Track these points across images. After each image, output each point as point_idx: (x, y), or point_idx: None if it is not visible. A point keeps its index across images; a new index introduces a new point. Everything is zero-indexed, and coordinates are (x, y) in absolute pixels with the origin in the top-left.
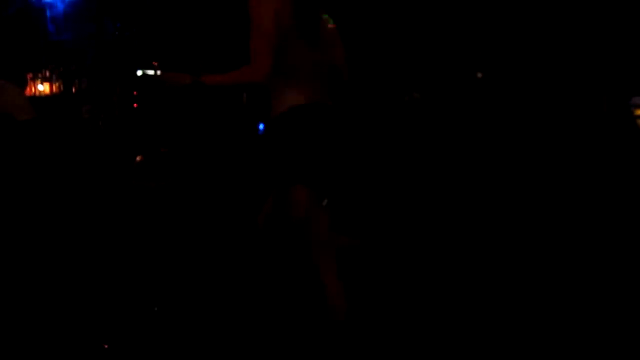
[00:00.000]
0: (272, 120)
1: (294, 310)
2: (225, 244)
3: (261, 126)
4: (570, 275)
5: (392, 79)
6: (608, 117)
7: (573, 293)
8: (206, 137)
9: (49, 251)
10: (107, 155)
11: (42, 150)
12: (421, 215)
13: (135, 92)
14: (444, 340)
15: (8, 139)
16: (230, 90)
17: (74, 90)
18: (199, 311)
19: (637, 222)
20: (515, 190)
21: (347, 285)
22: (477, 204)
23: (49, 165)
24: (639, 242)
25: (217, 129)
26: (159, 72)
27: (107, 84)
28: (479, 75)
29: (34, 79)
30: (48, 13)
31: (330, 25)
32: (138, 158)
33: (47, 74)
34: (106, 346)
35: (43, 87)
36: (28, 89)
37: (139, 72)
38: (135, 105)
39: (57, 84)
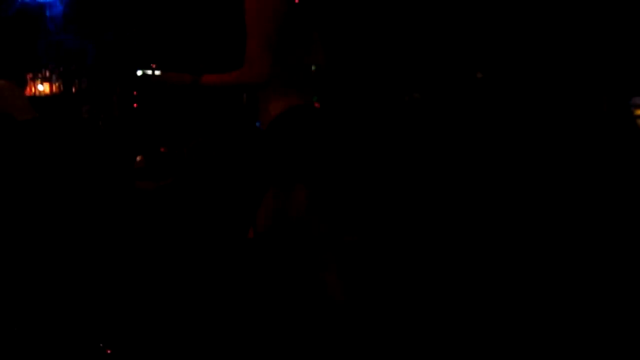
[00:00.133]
0: (274, 121)
1: (294, 310)
2: (225, 244)
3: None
4: (570, 275)
5: (392, 79)
6: (608, 117)
7: (573, 293)
8: (206, 137)
9: (49, 251)
10: (107, 155)
11: (42, 150)
12: (421, 215)
13: (135, 92)
14: (443, 339)
15: (8, 139)
16: (229, 91)
17: (74, 90)
18: (198, 311)
19: (637, 222)
20: (515, 190)
21: (345, 282)
22: (478, 204)
23: (49, 165)
24: (639, 242)
25: (217, 129)
26: (158, 72)
27: (107, 84)
28: (479, 75)
29: (34, 79)
30: (48, 13)
31: None
32: (138, 158)
33: (47, 74)
34: (109, 351)
35: (43, 87)
36: (28, 89)
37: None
38: (135, 105)
39: (57, 84)
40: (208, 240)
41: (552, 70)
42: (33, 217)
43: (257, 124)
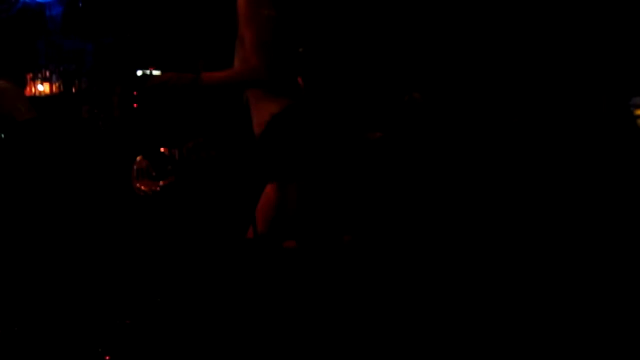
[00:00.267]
0: (276, 118)
1: (294, 310)
2: (225, 244)
3: None
4: (570, 275)
5: (392, 79)
6: (608, 117)
7: (573, 293)
8: (206, 137)
9: (49, 251)
10: (107, 155)
11: (42, 150)
12: (421, 215)
13: (135, 92)
14: (440, 339)
15: (8, 139)
16: (229, 90)
17: (74, 90)
18: (198, 311)
19: (637, 222)
20: (515, 190)
21: (341, 282)
22: (477, 203)
23: (49, 165)
24: (639, 242)
25: (217, 129)
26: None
27: (107, 84)
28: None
29: (34, 79)
30: (47, 13)
31: None
32: (138, 158)
33: (47, 74)
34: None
35: (43, 87)
36: (28, 89)
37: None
38: (135, 105)
39: (57, 84)
40: (208, 239)
41: (552, 70)
42: (33, 217)
43: None
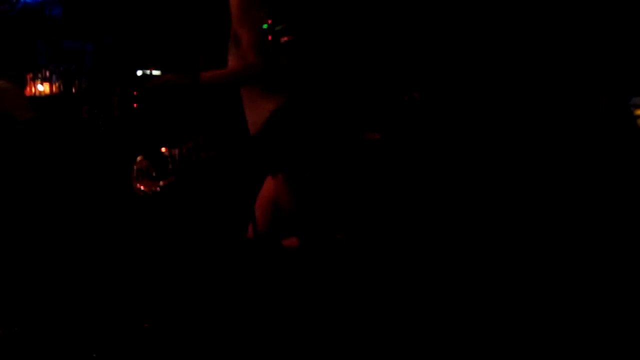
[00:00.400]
0: (276, 115)
1: (294, 310)
2: (225, 243)
3: None
4: (570, 275)
5: (392, 79)
6: (608, 117)
7: (573, 293)
8: (206, 136)
9: (49, 251)
10: (107, 155)
11: (42, 150)
12: (421, 215)
13: (135, 92)
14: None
15: (8, 139)
16: (230, 89)
17: (74, 90)
18: (198, 311)
19: (637, 222)
20: (515, 190)
21: (341, 281)
22: (477, 203)
23: (49, 165)
24: (639, 242)
25: (217, 129)
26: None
27: (107, 84)
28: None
29: (34, 79)
30: (47, 12)
31: None
32: (138, 158)
33: (47, 74)
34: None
35: (43, 87)
36: (28, 89)
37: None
38: (135, 105)
39: (57, 84)
40: (208, 239)
41: (552, 70)
42: (33, 217)
43: None
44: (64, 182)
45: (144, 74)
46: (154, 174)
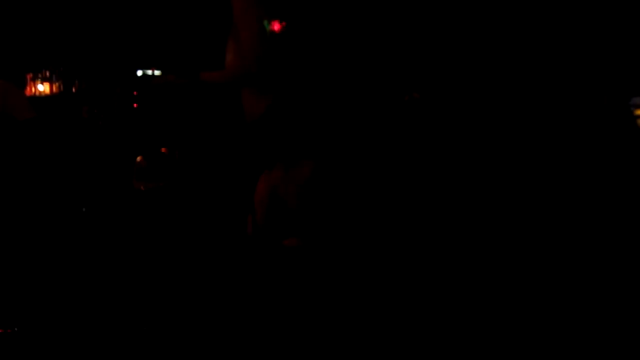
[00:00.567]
0: (266, 113)
1: (293, 309)
2: (225, 239)
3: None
4: (570, 275)
5: (392, 79)
6: (608, 117)
7: (573, 293)
8: (206, 137)
9: (49, 251)
10: (107, 155)
11: (42, 150)
12: (421, 216)
13: (135, 92)
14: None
15: (8, 139)
16: (230, 87)
17: (74, 90)
18: (198, 310)
19: (637, 222)
20: (515, 190)
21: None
22: (477, 203)
23: (49, 165)
24: (639, 242)
25: (217, 129)
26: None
27: (107, 84)
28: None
29: (34, 79)
30: (49, 12)
31: None
32: (138, 158)
33: (47, 74)
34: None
35: (43, 87)
36: (28, 89)
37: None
38: (135, 105)
39: (57, 84)
40: (208, 236)
41: (552, 69)
42: (33, 217)
43: None
44: (64, 181)
45: (144, 74)
46: (154, 174)
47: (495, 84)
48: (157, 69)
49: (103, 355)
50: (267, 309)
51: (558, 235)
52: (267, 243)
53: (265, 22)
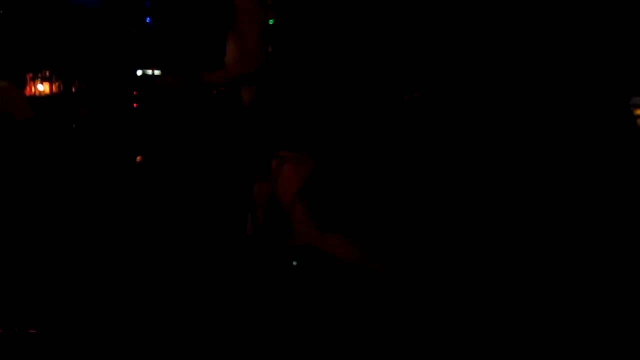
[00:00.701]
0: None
1: (293, 309)
2: (225, 239)
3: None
4: (570, 275)
5: (392, 79)
6: (608, 117)
7: (573, 293)
8: (206, 137)
9: (49, 251)
10: (107, 155)
11: (42, 150)
12: (421, 216)
13: (135, 92)
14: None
15: (8, 139)
16: (229, 87)
17: (74, 90)
18: (198, 310)
19: (637, 222)
20: (514, 190)
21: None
22: (477, 204)
23: (49, 165)
24: (639, 242)
25: (217, 130)
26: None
27: (107, 84)
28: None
29: (34, 79)
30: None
31: None
32: (138, 159)
33: (47, 74)
34: None
35: (43, 87)
36: (28, 89)
37: (139, 72)
38: (135, 105)
39: (57, 84)
40: (208, 236)
41: (552, 70)
42: (33, 217)
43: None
44: (64, 181)
45: (144, 74)
46: (154, 174)
47: (495, 83)
48: (157, 69)
49: (103, 355)
50: (267, 309)
51: (558, 235)
52: (267, 243)
53: (267, 22)
